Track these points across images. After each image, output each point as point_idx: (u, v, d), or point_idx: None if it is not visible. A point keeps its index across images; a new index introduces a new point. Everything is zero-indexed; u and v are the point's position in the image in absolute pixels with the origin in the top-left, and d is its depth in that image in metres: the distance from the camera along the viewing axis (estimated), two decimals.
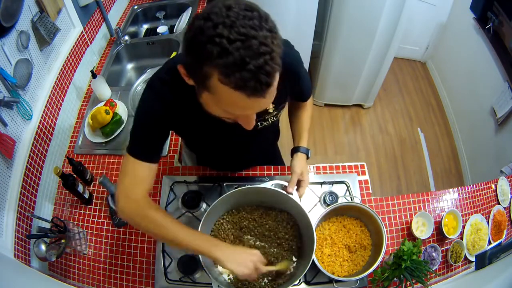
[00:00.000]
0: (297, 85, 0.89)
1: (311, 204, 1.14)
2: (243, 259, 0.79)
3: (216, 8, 0.52)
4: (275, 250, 0.97)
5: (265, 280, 0.94)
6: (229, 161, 1.17)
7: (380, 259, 0.93)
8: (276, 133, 1.19)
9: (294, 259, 0.97)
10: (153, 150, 0.80)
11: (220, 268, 0.94)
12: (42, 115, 1.26)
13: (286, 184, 0.97)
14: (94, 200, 1.25)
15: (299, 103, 1.04)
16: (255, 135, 0.92)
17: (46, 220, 1.08)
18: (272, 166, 1.24)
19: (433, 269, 1.06)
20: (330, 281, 1.00)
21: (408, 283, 0.89)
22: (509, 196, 1.25)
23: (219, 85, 0.53)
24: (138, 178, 0.79)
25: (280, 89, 0.82)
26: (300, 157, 1.00)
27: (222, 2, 0.53)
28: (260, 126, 0.88)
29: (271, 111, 0.86)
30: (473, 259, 1.10)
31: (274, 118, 0.90)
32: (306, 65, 2.35)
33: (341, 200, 1.13)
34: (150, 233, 0.82)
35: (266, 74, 0.51)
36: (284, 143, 2.50)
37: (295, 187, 0.97)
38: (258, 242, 0.98)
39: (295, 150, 1.02)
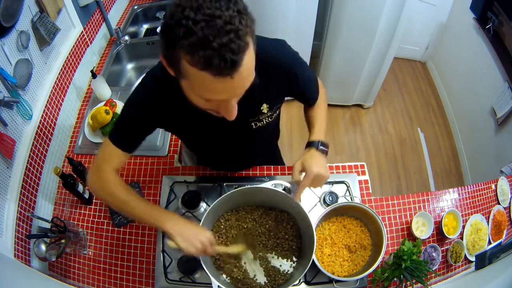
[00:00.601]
0: (296, 85, 0.86)
1: (311, 204, 1.14)
2: (191, 237, 0.79)
3: None
4: (273, 256, 0.97)
5: (265, 280, 0.95)
6: (229, 161, 1.17)
7: (380, 259, 0.93)
8: (275, 133, 1.18)
9: (294, 259, 0.98)
10: (131, 142, 0.86)
11: (220, 269, 0.95)
12: (42, 115, 1.26)
13: (287, 184, 0.97)
14: (94, 200, 1.25)
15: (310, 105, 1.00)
16: (251, 136, 0.92)
17: (46, 220, 1.08)
18: (272, 166, 1.24)
19: (433, 269, 1.06)
20: (330, 281, 1.00)
21: (408, 283, 0.89)
22: (509, 196, 1.25)
23: (188, 67, 0.54)
24: (111, 160, 0.86)
25: (274, 88, 0.81)
26: (311, 155, 0.89)
27: None
28: (254, 127, 0.88)
29: (265, 111, 0.85)
30: (473, 259, 1.10)
31: (269, 119, 0.88)
32: None
33: (341, 200, 1.13)
34: (113, 206, 0.89)
35: (231, 51, 0.51)
36: (284, 143, 2.51)
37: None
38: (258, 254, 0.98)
39: (308, 144, 0.93)
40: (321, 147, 0.90)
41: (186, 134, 0.93)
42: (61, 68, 1.40)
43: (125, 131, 0.84)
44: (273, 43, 0.79)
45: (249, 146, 1.03)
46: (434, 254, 1.08)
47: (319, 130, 0.95)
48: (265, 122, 0.88)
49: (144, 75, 0.80)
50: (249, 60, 0.55)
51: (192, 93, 0.63)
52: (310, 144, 0.92)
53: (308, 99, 0.97)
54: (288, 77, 0.82)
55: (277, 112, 0.91)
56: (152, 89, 0.77)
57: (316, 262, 0.93)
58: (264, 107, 0.85)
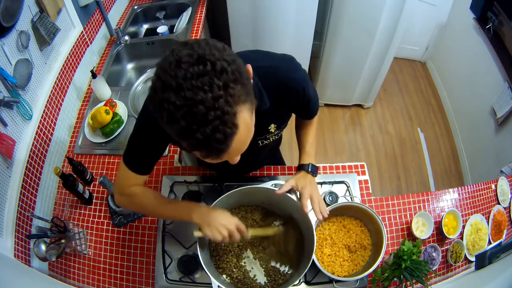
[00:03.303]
0: (302, 104, 0.86)
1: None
2: (217, 225, 0.80)
3: (166, 63, 0.48)
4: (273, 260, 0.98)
5: (265, 280, 0.95)
6: (232, 170, 1.17)
7: (380, 259, 0.93)
8: (278, 142, 1.17)
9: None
10: (146, 167, 0.86)
11: (220, 269, 0.95)
12: (42, 115, 1.26)
13: None
14: (94, 200, 1.25)
15: (304, 120, 1.02)
16: (257, 151, 0.93)
17: (46, 220, 1.08)
18: (272, 166, 1.24)
19: (433, 269, 1.06)
20: (330, 281, 1.00)
21: (408, 283, 0.89)
22: (509, 196, 1.25)
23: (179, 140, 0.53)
24: (130, 181, 0.87)
25: (284, 109, 0.82)
26: (303, 176, 0.96)
27: (175, 53, 0.49)
28: (261, 144, 0.89)
29: (272, 130, 0.86)
30: (473, 259, 1.10)
31: (276, 137, 0.90)
32: (306, 65, 2.36)
33: (341, 200, 1.13)
34: (147, 215, 0.99)
35: (217, 141, 0.48)
36: (284, 143, 2.49)
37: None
38: (257, 257, 0.98)
39: (299, 167, 0.99)
40: (311, 170, 0.96)
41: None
42: (61, 68, 1.40)
43: (139, 157, 0.84)
44: (285, 63, 0.78)
45: (254, 159, 1.06)
46: (434, 254, 1.08)
47: (309, 153, 0.99)
48: (271, 140, 0.90)
49: (147, 97, 0.78)
50: (240, 136, 0.51)
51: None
52: (301, 167, 0.97)
53: (310, 114, 0.97)
54: (297, 96, 0.81)
55: (284, 129, 0.92)
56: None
57: (316, 262, 0.93)
58: (272, 127, 0.85)
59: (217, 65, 0.47)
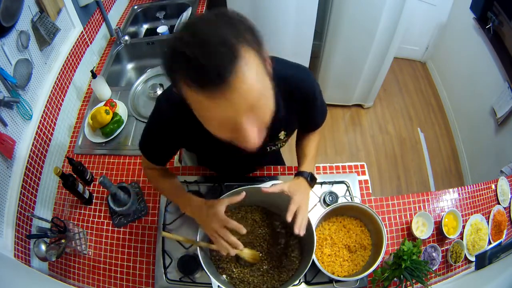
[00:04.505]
0: (311, 113, 0.88)
1: (311, 204, 1.13)
2: (205, 222, 0.84)
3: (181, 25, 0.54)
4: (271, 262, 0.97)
5: (265, 279, 0.95)
6: (235, 171, 1.18)
7: (380, 259, 0.93)
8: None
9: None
10: (161, 160, 0.91)
11: (220, 269, 0.95)
12: (42, 115, 1.26)
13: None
14: (94, 200, 1.25)
15: (307, 133, 1.02)
16: (264, 156, 0.93)
17: (46, 220, 1.08)
18: (272, 166, 1.24)
19: (433, 269, 1.06)
20: (330, 281, 1.00)
21: (408, 283, 0.89)
22: (509, 196, 1.25)
23: (186, 91, 0.50)
24: (148, 165, 0.93)
25: (295, 117, 0.83)
26: (299, 182, 0.92)
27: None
28: (269, 150, 0.89)
29: (282, 137, 0.87)
30: (473, 259, 1.10)
31: (284, 143, 0.90)
32: (306, 65, 2.36)
33: (341, 200, 1.13)
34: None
35: (219, 59, 0.45)
36: None
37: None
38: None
39: (298, 173, 0.95)
40: (309, 179, 0.93)
41: (203, 152, 0.95)
42: (61, 68, 1.40)
43: (152, 151, 0.88)
44: (300, 73, 0.79)
45: (260, 162, 1.09)
46: (434, 254, 1.08)
47: (310, 163, 0.99)
48: (279, 146, 0.90)
49: (160, 95, 0.78)
50: (248, 73, 0.47)
51: (201, 120, 0.57)
52: (299, 173, 0.95)
53: (316, 126, 0.98)
54: (307, 107, 0.83)
55: (291, 135, 0.92)
56: (168, 115, 0.75)
57: (316, 262, 0.93)
58: (282, 134, 0.86)
59: (235, 19, 0.53)
